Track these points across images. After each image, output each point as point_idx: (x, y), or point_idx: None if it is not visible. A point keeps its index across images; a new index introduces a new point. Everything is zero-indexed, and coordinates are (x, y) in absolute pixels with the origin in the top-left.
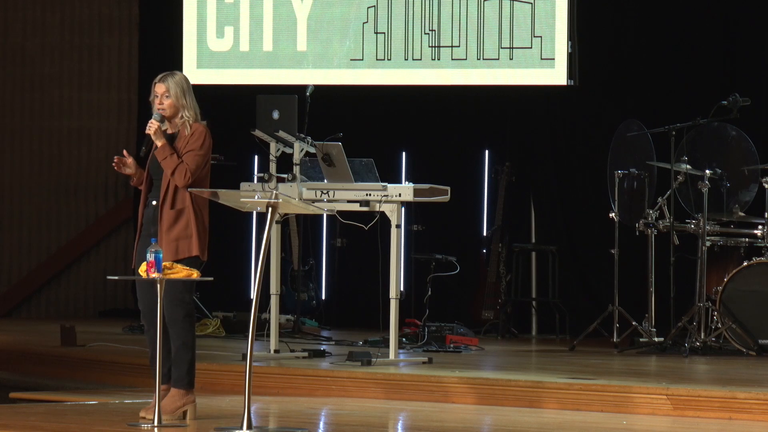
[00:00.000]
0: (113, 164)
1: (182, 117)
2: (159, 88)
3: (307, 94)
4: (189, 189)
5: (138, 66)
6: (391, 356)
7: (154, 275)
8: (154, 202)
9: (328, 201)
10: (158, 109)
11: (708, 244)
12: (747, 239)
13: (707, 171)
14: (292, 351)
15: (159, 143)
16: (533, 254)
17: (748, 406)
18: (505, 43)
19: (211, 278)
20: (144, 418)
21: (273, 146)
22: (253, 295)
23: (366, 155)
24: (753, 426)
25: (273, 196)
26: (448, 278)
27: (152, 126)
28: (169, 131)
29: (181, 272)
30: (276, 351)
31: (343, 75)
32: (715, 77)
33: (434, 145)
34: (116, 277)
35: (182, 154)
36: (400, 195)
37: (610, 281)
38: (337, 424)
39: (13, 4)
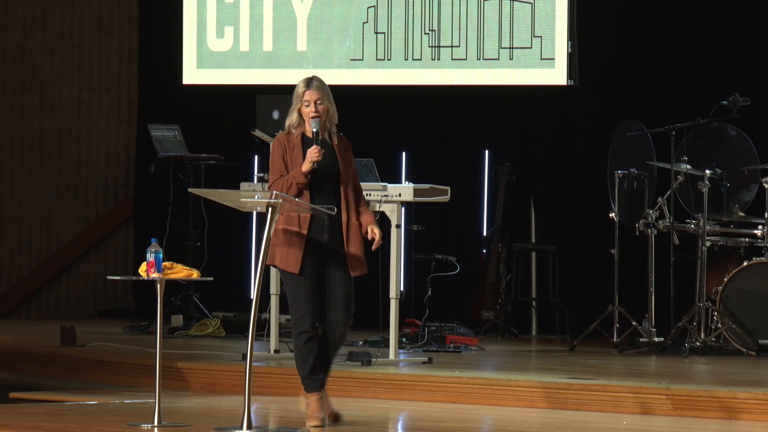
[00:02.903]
0: (316, 155)
1: (327, 124)
2: (312, 95)
3: None
4: (189, 190)
5: (138, 66)
6: (391, 356)
7: (154, 275)
8: (327, 214)
9: None
10: (315, 118)
11: (708, 244)
12: (747, 239)
13: (707, 171)
14: (292, 351)
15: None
16: (533, 254)
17: (748, 406)
18: (505, 43)
19: (211, 278)
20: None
21: None
22: (253, 295)
23: (366, 155)
24: (753, 426)
25: (273, 196)
26: (448, 278)
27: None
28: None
29: (181, 272)
30: (276, 351)
31: (343, 75)
32: (715, 77)
33: (434, 145)
34: (116, 277)
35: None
36: (400, 195)
37: (610, 281)
38: (337, 424)
39: (13, 4)
